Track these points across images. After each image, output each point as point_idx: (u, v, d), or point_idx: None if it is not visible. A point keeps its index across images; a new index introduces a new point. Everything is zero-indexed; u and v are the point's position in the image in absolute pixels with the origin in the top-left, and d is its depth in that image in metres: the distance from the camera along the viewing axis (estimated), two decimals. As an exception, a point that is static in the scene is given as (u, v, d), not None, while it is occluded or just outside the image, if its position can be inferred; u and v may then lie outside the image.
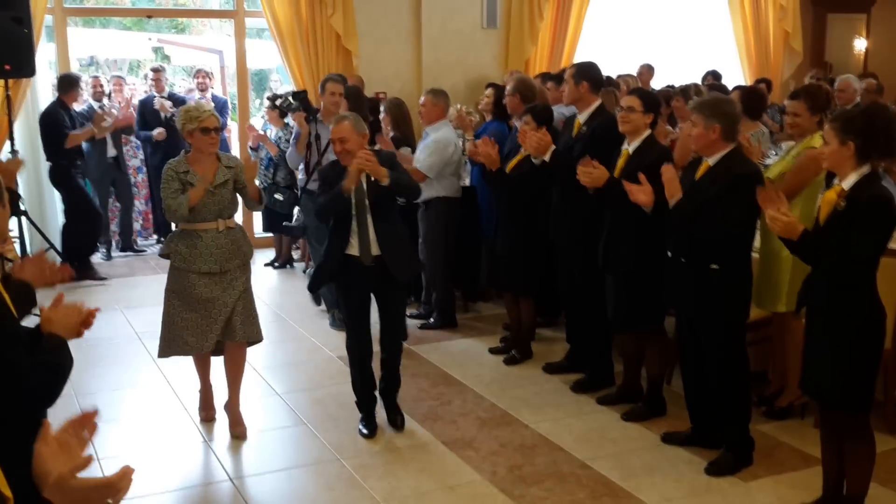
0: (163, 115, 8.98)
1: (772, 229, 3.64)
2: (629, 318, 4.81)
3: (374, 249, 4.54)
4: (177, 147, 8.89)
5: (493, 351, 5.99)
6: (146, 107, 9.07)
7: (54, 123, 7.86)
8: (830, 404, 3.67)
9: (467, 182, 6.77)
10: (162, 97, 9.13)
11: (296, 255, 8.71)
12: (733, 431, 4.28)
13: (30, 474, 1.77)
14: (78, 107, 8.89)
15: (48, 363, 2.38)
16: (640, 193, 4.35)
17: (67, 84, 8.06)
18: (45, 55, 8.66)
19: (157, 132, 8.88)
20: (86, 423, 1.87)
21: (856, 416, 3.60)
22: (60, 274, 2.96)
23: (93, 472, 1.81)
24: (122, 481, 1.79)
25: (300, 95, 6.75)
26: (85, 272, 7.95)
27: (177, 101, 9.08)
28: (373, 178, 4.48)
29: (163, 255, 4.69)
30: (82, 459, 1.78)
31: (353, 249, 4.55)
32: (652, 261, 4.52)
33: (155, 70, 9.39)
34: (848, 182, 3.46)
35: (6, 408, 2.26)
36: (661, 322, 4.86)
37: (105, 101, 8.80)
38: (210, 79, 9.79)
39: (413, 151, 6.52)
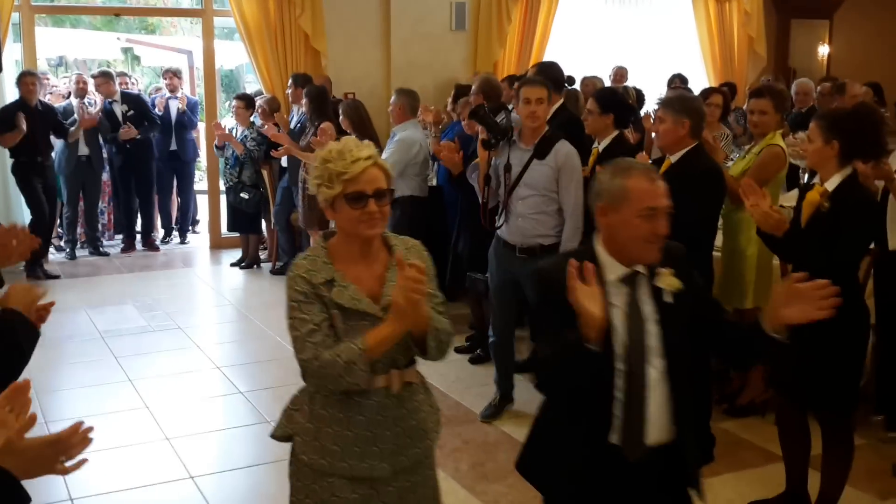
0: (121, 115, 8.81)
1: (753, 217, 3.58)
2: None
3: (657, 433, 2.43)
4: (141, 146, 8.86)
5: (458, 350, 6.00)
6: (104, 113, 8.86)
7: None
8: (816, 407, 3.63)
9: (434, 182, 6.78)
10: (115, 100, 8.87)
11: (262, 255, 8.67)
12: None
13: None
14: (60, 104, 8.80)
15: (7, 342, 2.34)
16: None
17: (18, 79, 7.91)
18: (11, 54, 8.57)
19: (124, 131, 8.75)
20: (17, 396, 1.85)
21: (840, 419, 3.58)
22: (28, 245, 2.75)
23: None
24: (72, 437, 1.79)
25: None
26: (31, 270, 7.82)
27: (130, 100, 8.94)
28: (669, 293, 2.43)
29: (279, 436, 2.54)
30: (28, 419, 1.75)
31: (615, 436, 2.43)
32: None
33: (103, 75, 9.05)
34: (831, 183, 3.44)
35: None
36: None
37: (87, 99, 8.69)
38: (179, 79, 9.72)
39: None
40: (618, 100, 4.78)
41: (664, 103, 4.28)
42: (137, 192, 9.09)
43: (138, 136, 8.78)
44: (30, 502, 1.77)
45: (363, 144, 2.34)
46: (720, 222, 4.56)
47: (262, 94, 8.78)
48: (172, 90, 9.45)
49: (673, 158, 4.20)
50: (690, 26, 10.86)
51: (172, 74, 9.62)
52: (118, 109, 8.80)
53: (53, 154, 8.28)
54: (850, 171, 3.44)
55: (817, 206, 3.46)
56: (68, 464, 1.82)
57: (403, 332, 2.29)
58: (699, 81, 10.08)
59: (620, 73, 9.37)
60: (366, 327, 2.29)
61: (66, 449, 1.78)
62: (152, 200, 9.37)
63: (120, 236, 9.48)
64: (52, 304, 2.64)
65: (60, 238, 9.07)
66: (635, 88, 6.88)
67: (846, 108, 4.39)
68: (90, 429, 1.84)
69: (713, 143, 5.03)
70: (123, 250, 9.07)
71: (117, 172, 9.10)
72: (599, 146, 4.75)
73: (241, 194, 8.18)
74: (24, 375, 2.41)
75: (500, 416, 4.91)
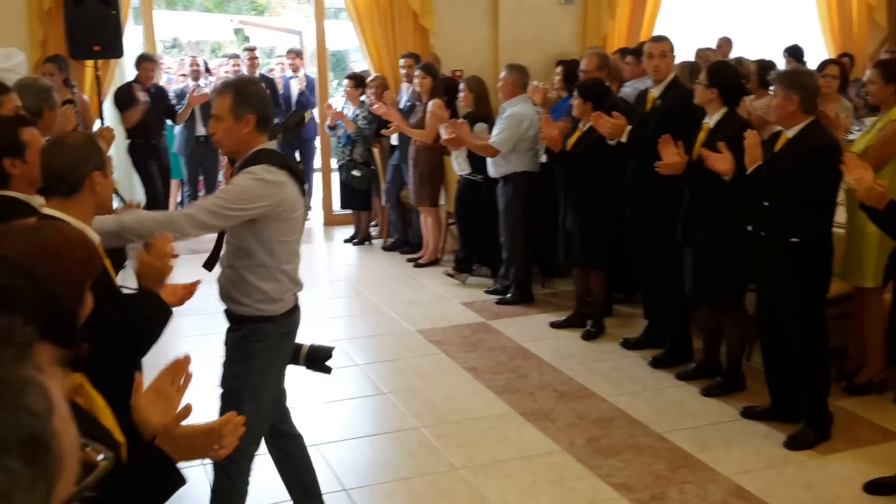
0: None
1: (856, 192, 3.59)
2: (707, 290, 4.80)
3: None
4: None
5: (554, 325, 6.02)
6: None
7: (120, 101, 7.98)
8: None
9: (545, 158, 6.79)
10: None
11: (374, 231, 8.85)
12: (812, 406, 4.26)
13: (130, 423, 1.89)
14: (176, 86, 9.17)
15: (139, 318, 2.50)
16: (720, 161, 4.34)
17: (137, 63, 8.19)
18: (131, 37, 8.94)
19: None
20: (179, 371, 1.99)
21: None
22: (189, 291, 2.94)
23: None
24: (225, 427, 1.91)
25: None
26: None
27: (268, 82, 9.23)
28: None
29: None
30: (182, 410, 1.90)
31: None
32: (730, 233, 4.52)
33: (249, 49, 9.58)
34: None
35: (99, 361, 2.40)
36: (740, 296, 4.83)
37: (201, 80, 9.04)
38: (301, 59, 9.99)
39: (490, 129, 6.58)
40: (727, 76, 4.67)
41: (776, 78, 4.23)
42: None
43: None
44: (184, 484, 1.89)
45: None
46: (843, 198, 4.45)
47: (370, 73, 8.93)
48: (295, 70, 9.70)
49: (790, 134, 4.14)
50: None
51: (295, 55, 9.90)
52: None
53: (175, 134, 8.63)
54: None
55: None
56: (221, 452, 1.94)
57: None
58: (817, 52, 9.73)
59: (724, 46, 9.11)
60: None
61: (219, 438, 1.90)
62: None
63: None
64: (197, 283, 2.80)
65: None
66: (763, 61, 6.70)
67: None
68: (242, 419, 1.96)
69: (833, 118, 4.91)
70: None
71: None
72: (710, 121, 4.68)
73: (353, 172, 8.36)
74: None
75: None
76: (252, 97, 3.02)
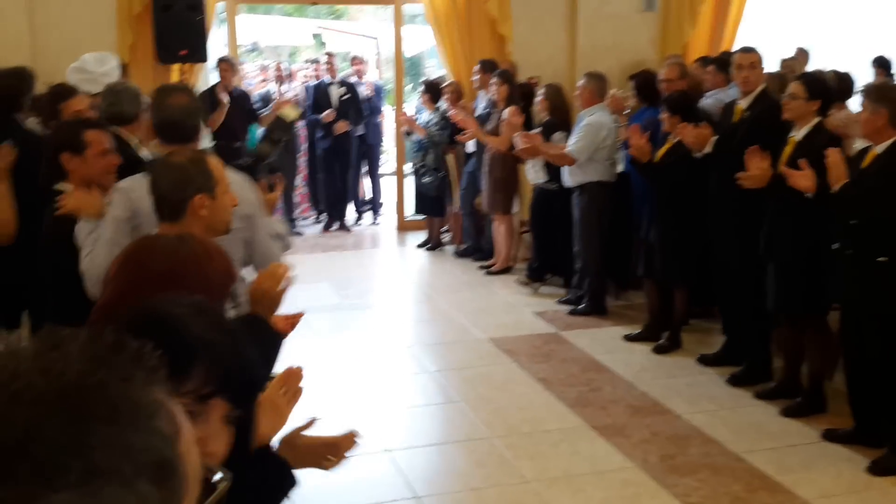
0: (336, 98, 9.20)
1: None
2: (791, 306, 4.67)
3: None
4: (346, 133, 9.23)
5: (628, 338, 5.93)
6: (318, 90, 9.35)
7: (204, 104, 8.15)
8: None
9: (621, 168, 6.71)
10: (334, 82, 9.33)
11: (446, 237, 8.87)
12: (898, 431, 4.11)
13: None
14: (259, 90, 9.35)
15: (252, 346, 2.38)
16: (802, 178, 4.22)
17: (216, 65, 8.33)
18: (215, 41, 9.14)
19: (326, 114, 9.15)
20: (291, 382, 2.01)
21: None
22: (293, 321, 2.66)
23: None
24: (345, 441, 1.96)
25: None
26: None
27: (349, 87, 9.33)
28: None
29: None
30: (308, 422, 1.95)
31: None
32: (814, 249, 4.40)
33: (329, 55, 9.71)
34: None
35: None
36: (824, 313, 4.70)
37: (285, 85, 9.20)
38: (365, 65, 10.08)
39: (567, 136, 6.54)
40: (827, 87, 4.57)
41: (864, 92, 4.12)
42: (341, 174, 9.48)
43: (347, 130, 9.16)
44: (297, 486, 1.94)
45: None
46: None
47: (446, 79, 8.95)
48: (360, 76, 9.79)
49: (878, 149, 4.03)
50: (898, 2, 10.14)
51: (360, 61, 10.00)
52: (335, 91, 9.20)
53: (256, 137, 8.78)
54: None
55: None
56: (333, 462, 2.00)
57: None
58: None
59: (800, 56, 8.83)
60: None
61: (336, 451, 1.95)
62: (348, 184, 9.75)
63: (312, 216, 9.97)
64: (300, 315, 2.63)
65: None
66: (839, 73, 6.50)
67: None
68: (359, 434, 1.99)
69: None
70: (325, 229, 9.54)
71: (321, 155, 9.49)
72: (797, 135, 4.55)
73: (424, 178, 8.40)
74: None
75: None
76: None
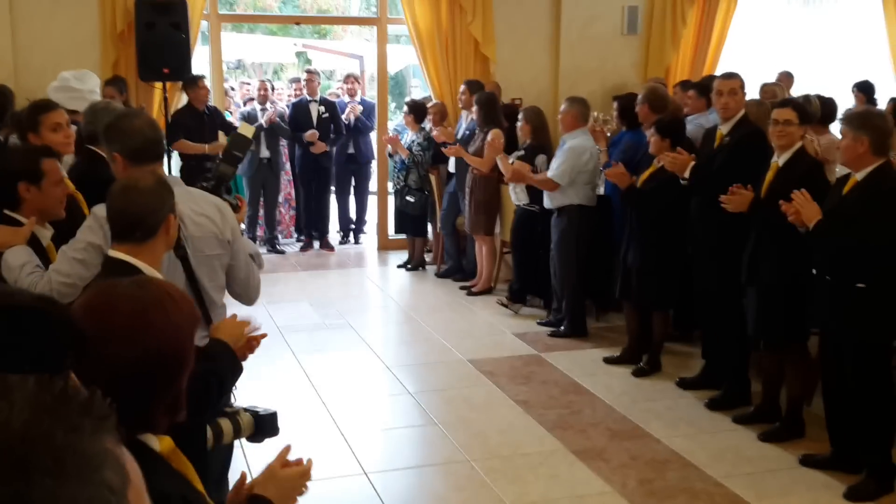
0: (315, 116, 9.17)
1: None
2: (771, 331, 4.68)
3: None
4: (325, 152, 9.19)
5: (607, 361, 5.93)
6: (298, 109, 9.32)
7: (172, 124, 7.90)
8: None
9: (602, 191, 6.74)
10: (314, 100, 9.30)
11: (428, 257, 8.86)
12: (875, 457, 4.11)
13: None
14: (244, 109, 9.32)
15: (208, 371, 2.33)
16: (810, 211, 4.15)
17: (186, 84, 8.11)
18: (198, 59, 9.11)
19: (309, 134, 9.12)
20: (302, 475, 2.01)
21: None
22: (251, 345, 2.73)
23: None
24: (310, 469, 1.97)
25: None
26: None
27: (328, 105, 9.32)
28: None
29: None
30: (284, 449, 1.98)
31: None
32: (796, 274, 4.41)
33: (309, 72, 9.70)
34: None
35: None
36: (804, 340, 4.71)
37: (268, 105, 9.17)
38: (359, 83, 10.07)
39: (549, 160, 6.56)
40: (812, 112, 4.62)
41: (844, 118, 4.14)
42: (317, 194, 9.45)
43: (326, 150, 9.13)
44: None
45: None
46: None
47: (430, 100, 8.96)
48: (352, 94, 9.79)
49: (858, 176, 4.04)
50: (880, 27, 10.24)
51: (354, 80, 10.00)
52: (314, 109, 9.17)
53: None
54: None
55: None
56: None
57: None
58: (889, 87, 9.52)
59: (784, 80, 8.88)
60: None
61: (307, 480, 1.96)
62: (328, 202, 9.70)
63: (294, 235, 9.93)
64: (263, 335, 2.74)
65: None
66: (822, 97, 6.56)
67: None
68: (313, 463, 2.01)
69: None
70: (302, 249, 9.48)
71: (299, 173, 9.45)
72: (780, 160, 4.57)
73: (407, 198, 8.39)
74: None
75: None
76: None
